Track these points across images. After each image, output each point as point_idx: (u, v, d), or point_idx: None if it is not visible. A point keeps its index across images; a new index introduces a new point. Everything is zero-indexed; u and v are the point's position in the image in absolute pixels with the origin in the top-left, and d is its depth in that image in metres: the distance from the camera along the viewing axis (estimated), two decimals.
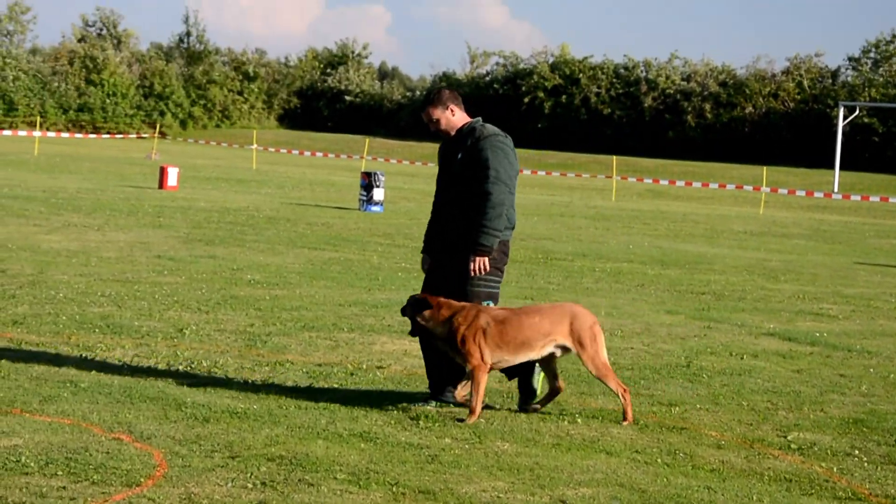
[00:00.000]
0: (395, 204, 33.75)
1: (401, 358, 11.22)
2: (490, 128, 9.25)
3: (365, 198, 31.37)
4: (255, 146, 58.34)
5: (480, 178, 9.02)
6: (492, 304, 9.14)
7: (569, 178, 62.25)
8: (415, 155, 74.35)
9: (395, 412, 8.96)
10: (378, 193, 31.35)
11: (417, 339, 9.39)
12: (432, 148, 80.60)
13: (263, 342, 11.56)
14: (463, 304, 8.95)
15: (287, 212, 28.49)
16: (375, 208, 31.16)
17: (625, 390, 9.00)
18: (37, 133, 60.37)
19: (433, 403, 9.18)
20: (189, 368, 10.17)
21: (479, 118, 9.40)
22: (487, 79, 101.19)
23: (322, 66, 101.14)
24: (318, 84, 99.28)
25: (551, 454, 7.98)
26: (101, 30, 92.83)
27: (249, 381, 9.82)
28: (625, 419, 8.91)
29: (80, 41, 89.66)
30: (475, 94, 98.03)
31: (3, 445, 7.33)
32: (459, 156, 9.15)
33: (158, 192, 32.62)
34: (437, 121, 9.24)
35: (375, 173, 31.57)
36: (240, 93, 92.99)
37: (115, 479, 6.82)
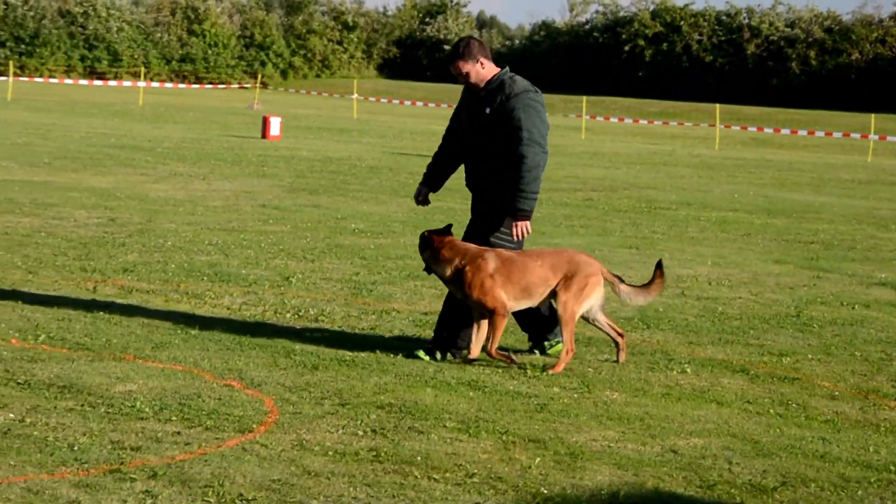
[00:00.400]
0: None
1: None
2: (520, 82, 8.99)
3: None
4: (355, 96, 58.46)
5: (513, 139, 8.80)
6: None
7: (670, 126, 61.64)
8: None
9: (502, 360, 8.93)
10: None
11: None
12: None
13: (369, 291, 11.59)
14: (467, 246, 8.74)
15: (389, 161, 28.53)
16: None
17: (570, 351, 8.68)
18: (141, 83, 61.01)
19: (439, 356, 8.87)
20: (296, 316, 10.22)
21: (507, 68, 9.12)
22: (587, 27, 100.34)
23: (421, 15, 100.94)
24: (417, 33, 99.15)
25: (661, 404, 7.92)
26: None
27: (356, 329, 9.85)
28: (553, 368, 8.64)
29: None
30: (574, 42, 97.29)
31: (119, 391, 7.43)
32: (488, 110, 8.89)
33: (261, 141, 32.82)
34: (467, 74, 8.96)
35: None
36: (339, 42, 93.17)
37: (227, 424, 6.88)
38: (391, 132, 42.21)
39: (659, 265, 9.12)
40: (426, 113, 62.18)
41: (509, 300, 8.62)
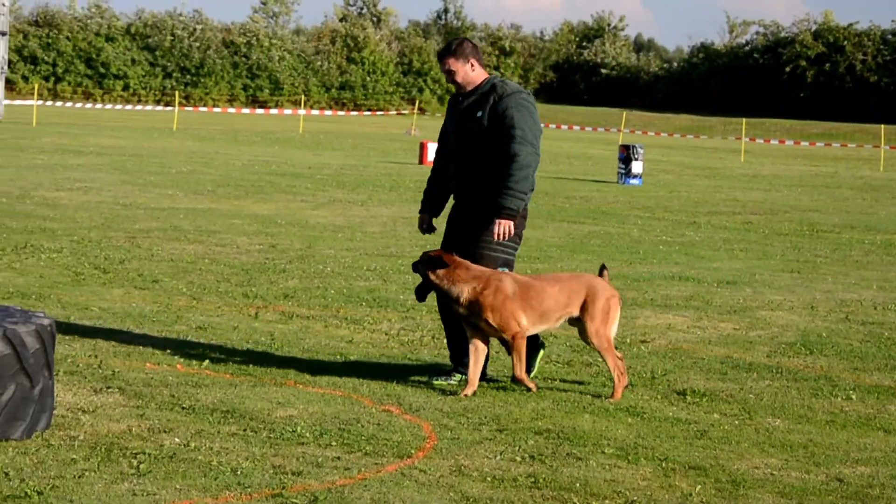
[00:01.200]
0: (654, 176, 33.41)
1: (665, 332, 11.08)
2: (511, 84, 8.69)
3: (623, 171, 31.16)
4: None
5: (506, 137, 8.52)
6: (506, 271, 8.64)
7: (833, 148, 60.52)
8: (673, 127, 73.48)
9: (661, 386, 8.85)
10: (636, 166, 31.09)
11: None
12: (690, 120, 79.61)
13: None
14: (482, 269, 8.44)
15: (545, 185, 28.50)
16: (634, 181, 30.92)
17: (622, 373, 8.46)
18: (301, 111, 61.97)
19: (456, 378, 8.68)
20: None
21: (498, 74, 9.03)
22: (747, 48, 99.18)
23: (578, 39, 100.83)
24: (574, 57, 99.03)
25: (825, 431, 7.76)
26: (362, 9, 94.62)
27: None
28: (613, 396, 8.38)
29: (341, 20, 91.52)
30: (734, 64, 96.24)
31: (280, 416, 7.53)
32: (479, 114, 8.60)
33: (419, 167, 33.07)
34: (454, 73, 8.64)
35: (634, 146, 31.31)
36: (496, 67, 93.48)
37: (386, 450, 6.92)
38: (547, 157, 42.17)
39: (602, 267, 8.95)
40: (583, 137, 62.02)
41: (528, 325, 8.38)
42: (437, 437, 7.22)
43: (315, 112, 71.11)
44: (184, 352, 9.33)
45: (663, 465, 6.86)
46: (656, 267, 15.33)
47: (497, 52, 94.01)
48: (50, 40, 72.92)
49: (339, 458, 6.74)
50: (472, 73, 8.69)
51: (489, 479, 6.45)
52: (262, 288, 12.42)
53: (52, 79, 72.68)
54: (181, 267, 13.58)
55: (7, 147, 31.24)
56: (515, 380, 8.45)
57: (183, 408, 7.63)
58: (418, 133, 53.95)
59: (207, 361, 8.95)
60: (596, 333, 8.41)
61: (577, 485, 6.40)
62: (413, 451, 6.91)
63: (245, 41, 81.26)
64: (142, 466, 6.38)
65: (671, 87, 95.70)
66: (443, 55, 8.72)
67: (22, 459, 6.41)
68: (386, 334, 10.47)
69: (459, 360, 8.76)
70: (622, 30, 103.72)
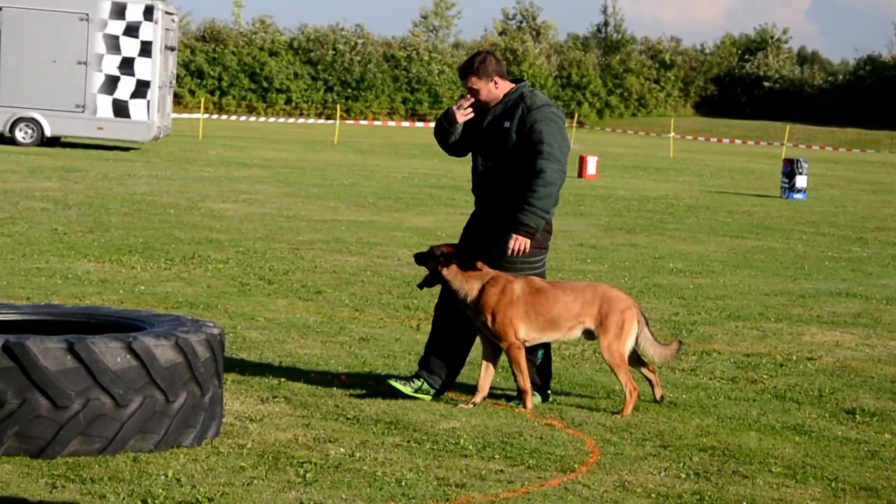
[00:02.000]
0: (819, 191, 32.81)
1: (832, 349, 10.87)
2: (540, 96, 8.34)
3: (787, 185, 30.65)
4: (672, 134, 58.13)
5: (533, 152, 8.14)
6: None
7: None
8: (837, 141, 72.10)
9: (829, 405, 8.68)
10: (801, 181, 30.57)
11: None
12: (856, 134, 77.97)
13: (689, 331, 11.45)
14: (496, 271, 8.14)
15: (706, 200, 28.20)
16: (798, 196, 30.40)
17: (634, 389, 8.14)
18: None
19: (416, 384, 8.31)
20: None
21: (526, 82, 8.45)
22: None
23: (739, 52, 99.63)
24: (736, 70, 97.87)
25: None
26: (521, 22, 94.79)
27: (676, 369, 9.74)
28: (622, 412, 8.10)
29: (500, 34, 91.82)
30: None
31: (443, 428, 7.56)
32: (507, 124, 8.22)
33: (578, 180, 32.98)
34: (477, 91, 8.26)
35: (798, 160, 30.79)
36: (656, 81, 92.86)
37: (549, 464, 6.91)
38: (708, 171, 41.72)
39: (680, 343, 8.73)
40: (745, 151, 61.19)
41: (530, 332, 8.09)
42: (600, 452, 7.18)
43: None
44: (347, 363, 9.44)
45: (833, 485, 6.72)
46: (822, 283, 15.05)
47: (657, 66, 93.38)
48: (216, 55, 74.48)
49: (502, 470, 6.74)
50: (495, 90, 8.31)
51: (654, 495, 6.40)
52: (423, 300, 12.49)
53: (218, 93, 74.20)
54: (343, 278, 13.73)
55: (175, 159, 31.97)
56: (519, 393, 8.19)
57: (347, 418, 7.70)
58: (577, 146, 53.77)
59: (370, 372, 9.02)
60: (608, 348, 8.13)
61: (744, 503, 6.31)
62: (576, 466, 6.88)
63: (405, 55, 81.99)
64: (308, 475, 6.46)
65: (836, 100, 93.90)
66: (465, 73, 8.32)
67: (193, 466, 6.54)
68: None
69: (428, 366, 8.39)
70: (785, 42, 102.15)
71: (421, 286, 8.48)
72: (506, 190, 8.27)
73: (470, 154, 8.58)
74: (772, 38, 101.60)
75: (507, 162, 8.26)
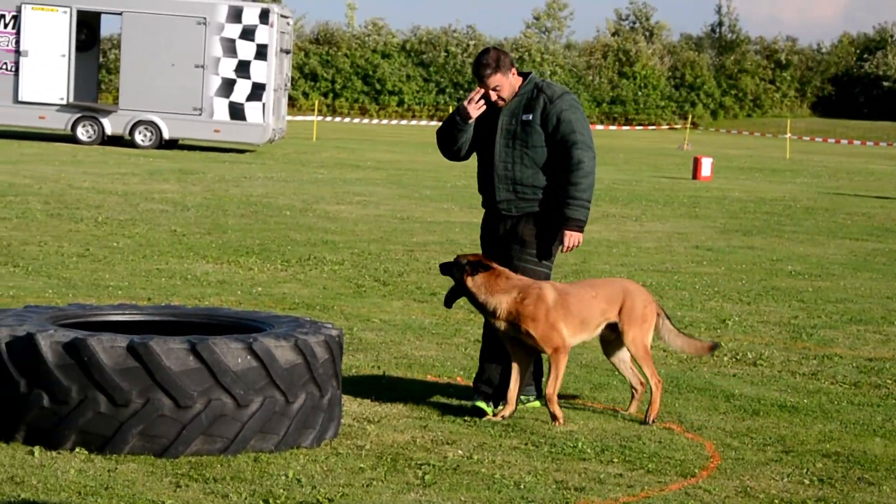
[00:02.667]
0: None
1: None
2: (555, 85, 8.07)
3: None
4: (788, 135, 57.37)
5: (566, 143, 7.84)
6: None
7: None
8: None
9: None
10: None
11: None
12: None
13: (809, 335, 11.28)
14: (521, 277, 7.76)
15: (824, 201, 27.78)
16: None
17: (659, 381, 7.90)
18: None
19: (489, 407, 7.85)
20: (734, 360, 10.07)
21: (534, 73, 8.11)
22: None
23: (858, 51, 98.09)
24: (854, 70, 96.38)
25: None
26: (634, 23, 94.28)
27: (797, 373, 9.60)
28: (646, 418, 7.77)
29: (613, 35, 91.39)
30: None
31: (561, 431, 7.53)
32: (529, 117, 7.85)
33: (692, 182, 32.70)
34: (501, 88, 7.90)
35: None
36: (771, 81, 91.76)
37: (669, 468, 6.85)
38: (826, 172, 41.13)
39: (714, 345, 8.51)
40: (863, 152, 60.24)
41: (569, 336, 7.80)
42: (720, 457, 7.10)
43: None
44: (463, 364, 9.44)
45: None
46: None
47: (773, 66, 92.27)
48: (329, 57, 75.07)
49: (621, 475, 6.69)
50: (514, 81, 8.01)
51: (776, 501, 6.31)
52: None
53: (331, 95, 74.76)
54: None
55: (290, 161, 32.25)
56: (544, 400, 7.82)
57: (464, 420, 7.70)
58: (691, 148, 53.34)
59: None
60: (633, 341, 7.90)
61: None
62: (696, 471, 6.81)
63: (517, 56, 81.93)
64: (427, 477, 6.47)
65: None
66: (489, 71, 7.89)
67: (313, 467, 6.58)
68: (663, 350, 10.34)
69: (480, 384, 8.05)
70: None
71: (448, 303, 8.03)
72: (532, 185, 7.94)
73: (475, 155, 8.22)
74: (891, 36, 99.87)
75: (530, 156, 7.92)
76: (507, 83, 7.94)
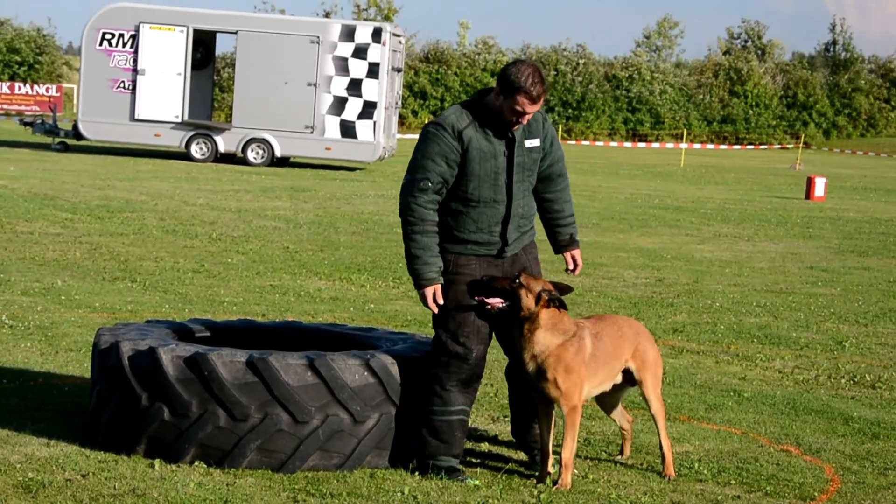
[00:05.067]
0: None
1: None
2: None
3: None
4: None
5: (558, 160, 7.06)
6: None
7: None
8: None
9: None
10: None
11: None
12: None
13: None
14: (572, 321, 6.85)
15: None
16: None
17: (668, 440, 7.02)
18: (682, 145, 61.69)
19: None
20: (852, 382, 9.93)
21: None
22: None
23: None
24: None
25: None
26: (746, 41, 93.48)
27: None
28: (665, 472, 6.94)
29: (724, 53, 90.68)
30: None
31: (676, 451, 7.45)
32: (537, 143, 6.87)
33: (805, 202, 32.31)
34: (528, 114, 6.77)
35: None
36: (886, 100, 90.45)
37: (787, 490, 6.76)
38: None
39: None
40: None
41: (593, 388, 6.87)
42: (840, 481, 7.00)
43: (696, 146, 70.61)
44: None
45: None
46: None
47: (888, 85, 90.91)
48: (439, 76, 75.44)
49: (738, 496, 6.63)
50: None
51: None
52: (650, 322, 12.38)
53: (440, 113, 75.12)
54: (569, 299, 13.60)
55: (400, 179, 32.42)
56: (563, 464, 6.70)
57: (579, 439, 7.67)
58: (803, 168, 52.72)
59: None
60: (655, 393, 7.01)
61: None
62: (816, 494, 6.72)
63: (627, 75, 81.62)
64: (542, 496, 6.46)
65: None
66: (538, 98, 6.66)
67: (428, 484, 6.60)
68: (779, 372, 10.24)
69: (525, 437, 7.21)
70: None
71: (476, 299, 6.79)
72: (531, 215, 7.02)
73: (470, 194, 6.80)
74: None
75: (531, 185, 6.97)
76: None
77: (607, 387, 6.99)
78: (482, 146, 6.71)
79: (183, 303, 12.04)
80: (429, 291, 6.71)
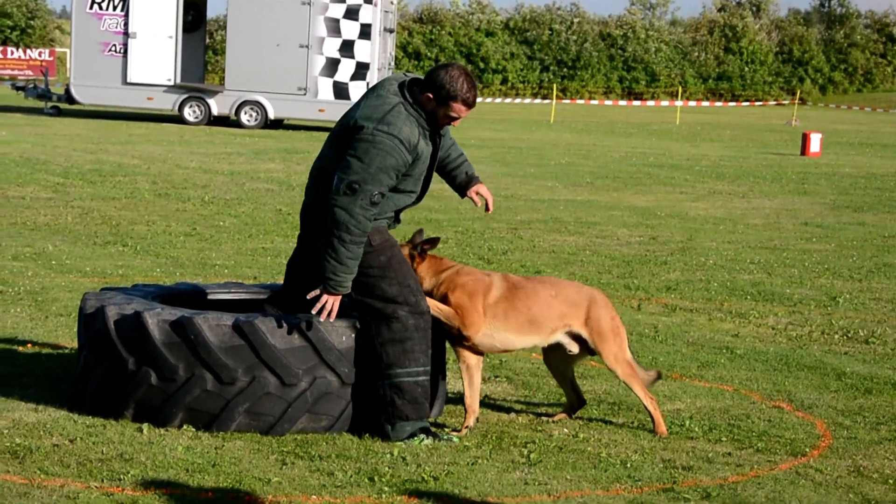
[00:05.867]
0: None
1: None
2: None
3: None
4: None
5: (451, 143, 7.09)
6: None
7: None
8: None
9: None
10: None
11: None
12: None
13: None
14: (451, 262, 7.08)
15: None
16: None
17: (652, 399, 6.96)
18: (678, 102, 61.53)
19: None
20: (845, 337, 9.90)
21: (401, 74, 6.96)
22: None
23: None
24: None
25: None
26: None
27: None
28: (656, 431, 6.88)
29: (719, 11, 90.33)
30: None
31: (667, 409, 7.43)
32: (448, 133, 7.01)
33: (801, 158, 32.22)
34: None
35: None
36: (882, 55, 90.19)
37: (779, 447, 6.73)
38: None
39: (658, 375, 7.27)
40: None
41: (510, 334, 6.89)
42: (831, 436, 6.97)
43: (692, 103, 70.45)
44: None
45: None
46: None
47: (884, 40, 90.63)
48: (433, 36, 75.16)
49: (729, 454, 6.60)
50: None
51: (891, 481, 6.18)
52: (643, 280, 12.34)
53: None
54: (562, 258, 13.66)
55: None
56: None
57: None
58: (799, 124, 52.59)
59: None
60: (615, 358, 6.96)
61: None
62: (807, 450, 6.70)
63: (621, 34, 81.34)
64: (532, 456, 6.43)
65: None
66: (472, 105, 6.70)
67: (417, 445, 6.56)
68: (773, 329, 10.20)
69: None
70: None
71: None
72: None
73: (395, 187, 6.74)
74: None
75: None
76: None
77: (530, 343, 6.94)
78: (423, 152, 6.68)
79: (174, 266, 11.99)
80: (338, 300, 6.56)
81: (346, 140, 6.60)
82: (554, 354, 7.15)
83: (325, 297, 6.51)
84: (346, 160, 6.51)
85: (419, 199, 6.93)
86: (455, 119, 6.68)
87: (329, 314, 6.52)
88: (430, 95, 6.61)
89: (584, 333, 6.94)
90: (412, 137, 6.57)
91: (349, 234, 6.47)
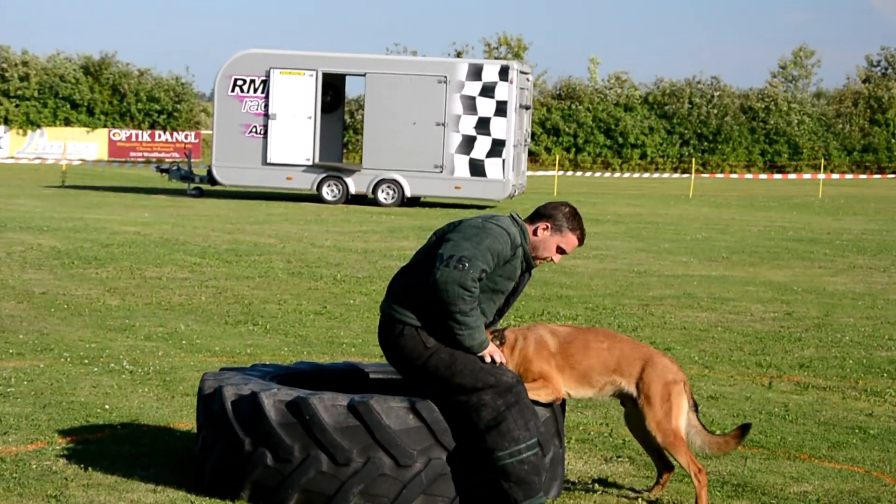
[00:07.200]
0: None
1: None
2: None
3: None
4: None
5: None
6: None
7: None
8: None
9: None
10: None
11: None
12: None
13: None
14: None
15: None
16: None
17: (699, 470, 6.74)
18: (820, 175, 60.64)
19: None
20: None
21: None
22: None
23: None
24: None
25: None
26: (886, 69, 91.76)
27: None
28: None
29: (864, 82, 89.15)
30: None
31: (794, 491, 7.24)
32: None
33: None
34: None
35: None
36: None
37: None
38: None
39: (744, 428, 7.00)
40: None
41: (569, 387, 6.95)
42: None
43: (835, 176, 69.40)
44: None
45: None
46: None
47: None
48: (571, 112, 75.29)
49: None
50: None
51: None
52: (776, 357, 12.10)
53: (573, 149, 74.85)
54: (693, 335, 13.46)
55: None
56: None
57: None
58: None
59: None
60: (657, 424, 6.81)
61: None
62: None
63: (763, 106, 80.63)
64: None
65: None
66: (581, 245, 7.08)
67: None
68: None
69: None
70: None
71: None
72: None
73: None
74: None
75: None
76: None
77: (588, 394, 6.96)
78: (515, 268, 6.78)
79: (302, 345, 12.08)
80: (495, 349, 6.74)
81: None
82: (631, 416, 7.09)
83: (484, 355, 6.63)
84: (450, 242, 6.61)
85: (488, 325, 6.87)
86: (562, 253, 6.87)
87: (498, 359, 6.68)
88: (548, 224, 6.79)
89: (633, 392, 6.90)
90: (518, 238, 6.73)
91: (466, 303, 6.53)
